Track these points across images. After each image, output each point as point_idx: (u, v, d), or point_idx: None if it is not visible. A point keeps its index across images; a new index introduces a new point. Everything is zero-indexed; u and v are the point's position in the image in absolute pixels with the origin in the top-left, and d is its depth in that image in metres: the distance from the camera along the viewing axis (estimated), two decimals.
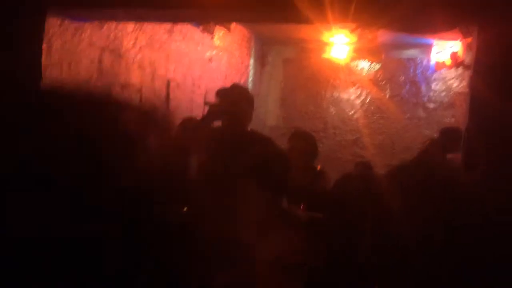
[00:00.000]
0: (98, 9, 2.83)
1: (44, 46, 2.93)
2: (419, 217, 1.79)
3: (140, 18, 3.07)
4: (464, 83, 5.14)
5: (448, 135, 3.53)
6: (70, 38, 3.17)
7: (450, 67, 4.58)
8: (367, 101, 6.20)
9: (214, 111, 2.84)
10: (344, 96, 6.27)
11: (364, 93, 6.20)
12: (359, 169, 4.91)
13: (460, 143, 3.39)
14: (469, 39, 2.81)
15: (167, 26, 4.10)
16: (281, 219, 2.18)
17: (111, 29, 3.53)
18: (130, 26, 3.69)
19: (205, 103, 3.02)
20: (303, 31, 5.17)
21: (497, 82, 2.26)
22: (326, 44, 5.56)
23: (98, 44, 3.43)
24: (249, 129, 2.96)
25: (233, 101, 2.82)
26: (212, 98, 4.92)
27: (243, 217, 2.17)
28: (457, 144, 3.43)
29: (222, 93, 2.89)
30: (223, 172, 2.69)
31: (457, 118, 5.56)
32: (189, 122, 3.12)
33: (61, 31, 3.08)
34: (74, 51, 3.23)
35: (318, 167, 3.60)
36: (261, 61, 6.25)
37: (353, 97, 6.24)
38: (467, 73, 3.59)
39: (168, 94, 4.34)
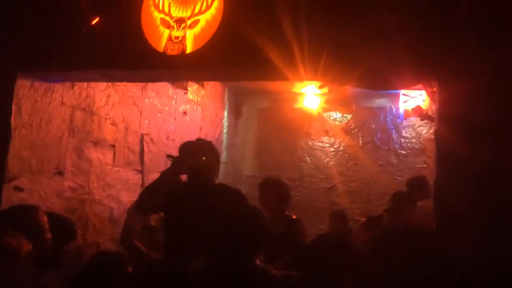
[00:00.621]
0: (69, 71, 2.84)
1: (14, 107, 2.93)
2: (395, 270, 1.78)
3: (113, 78, 3.10)
4: (432, 129, 5.29)
5: (414, 185, 3.58)
6: (40, 99, 3.16)
7: (416, 117, 4.74)
8: (341, 149, 6.30)
9: (176, 165, 2.80)
10: (318, 144, 6.36)
11: (337, 142, 6.31)
12: (334, 222, 4.91)
13: (426, 190, 3.46)
14: (431, 91, 2.93)
15: (140, 83, 4.15)
16: (256, 278, 2.14)
17: (83, 88, 3.55)
18: (103, 85, 3.72)
19: (168, 156, 2.98)
20: (275, 83, 5.30)
21: (459, 132, 2.35)
22: (298, 94, 5.70)
23: (69, 103, 3.43)
24: (216, 182, 2.94)
25: (195, 155, 2.80)
26: None
27: (214, 276, 2.12)
28: (424, 192, 3.50)
29: (184, 147, 2.88)
30: (189, 229, 2.65)
31: (429, 163, 5.68)
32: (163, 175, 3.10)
33: (31, 93, 3.08)
34: (45, 111, 3.22)
35: (294, 216, 3.56)
36: (235, 113, 6.33)
37: (327, 145, 6.34)
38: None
39: (142, 149, 4.33)
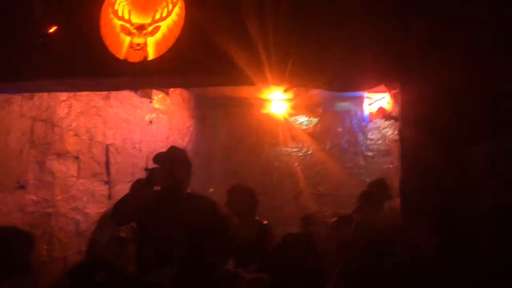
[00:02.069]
0: (27, 81, 2.76)
1: None
2: (362, 267, 1.80)
3: (72, 87, 3.02)
4: (397, 130, 5.41)
5: (376, 187, 3.65)
6: None
7: (380, 118, 4.83)
8: (309, 153, 6.35)
9: (153, 176, 2.80)
10: (286, 150, 6.39)
11: (305, 146, 6.36)
12: (305, 226, 4.94)
13: (386, 191, 3.54)
14: (394, 92, 3.00)
15: (103, 92, 4.07)
16: (226, 282, 2.13)
17: (43, 99, 3.45)
18: (64, 95, 3.63)
19: (146, 169, 2.97)
20: (242, 89, 5.31)
21: (422, 132, 2.40)
22: (265, 100, 5.72)
23: (29, 114, 3.33)
24: (188, 190, 2.92)
25: (170, 165, 2.80)
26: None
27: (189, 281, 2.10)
28: (385, 193, 3.57)
29: (159, 158, 2.87)
30: (163, 237, 2.63)
31: (395, 164, 5.80)
32: (138, 184, 3.08)
33: None
34: (3, 122, 3.11)
35: (265, 222, 3.59)
36: (202, 120, 6.29)
37: (295, 150, 6.37)
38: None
39: (107, 159, 4.24)
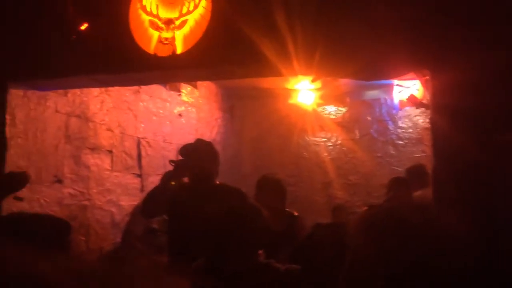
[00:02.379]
0: (61, 78, 2.84)
1: (8, 117, 2.93)
2: (394, 260, 1.78)
3: (104, 83, 3.10)
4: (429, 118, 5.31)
5: (413, 174, 3.57)
6: (34, 107, 3.17)
7: (411, 106, 4.75)
8: (338, 143, 6.30)
9: (179, 168, 2.83)
10: (315, 139, 6.36)
11: (334, 136, 6.31)
12: (336, 216, 4.93)
13: (425, 179, 3.47)
14: (425, 80, 2.94)
15: (133, 87, 4.14)
16: (259, 273, 2.15)
17: (76, 95, 3.55)
18: (96, 91, 3.72)
19: (171, 162, 3.00)
20: (269, 80, 5.30)
21: (454, 119, 2.36)
22: (292, 90, 5.70)
23: (63, 110, 3.43)
24: (217, 182, 2.95)
25: (196, 157, 2.83)
26: None
27: (217, 273, 2.13)
28: (423, 181, 3.50)
29: (185, 150, 2.90)
30: (193, 229, 2.67)
31: (427, 153, 5.69)
32: (165, 177, 3.13)
33: (24, 102, 3.08)
34: (39, 119, 3.22)
35: (295, 213, 3.57)
36: (230, 112, 6.33)
37: (323, 140, 6.34)
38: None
39: (139, 153, 4.33)
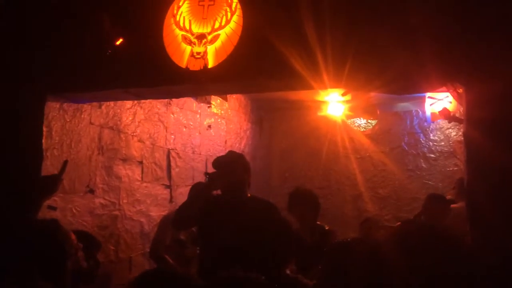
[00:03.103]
0: (97, 91, 2.92)
1: (45, 129, 3.02)
2: (427, 278, 1.74)
3: (138, 96, 3.16)
4: (461, 131, 5.19)
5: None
6: (69, 119, 3.26)
7: (443, 119, 4.65)
8: (367, 155, 6.22)
9: (212, 181, 2.85)
10: (344, 152, 6.30)
11: (363, 148, 6.24)
12: (364, 229, 4.84)
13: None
14: (458, 93, 2.89)
15: (164, 99, 4.22)
16: (288, 287, 2.13)
17: (110, 107, 3.64)
18: (129, 103, 3.80)
19: (205, 174, 3.03)
20: (299, 92, 5.29)
21: (488, 134, 2.30)
22: (322, 102, 5.67)
23: (97, 122, 3.52)
24: (248, 195, 2.95)
25: (229, 169, 2.84)
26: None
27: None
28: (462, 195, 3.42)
29: (218, 162, 2.92)
30: (225, 241, 2.67)
31: (460, 166, 5.56)
32: (198, 186, 3.15)
33: (60, 114, 3.18)
34: (74, 131, 3.31)
35: (327, 227, 3.51)
36: (259, 124, 6.35)
37: (353, 152, 6.27)
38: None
39: (169, 164, 4.39)
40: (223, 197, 2.93)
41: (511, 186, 2.21)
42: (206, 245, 2.92)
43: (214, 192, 3.01)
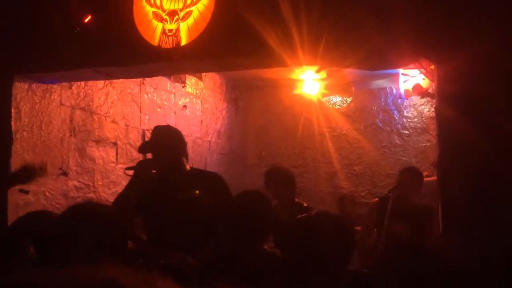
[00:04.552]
0: (66, 71, 2.84)
1: (13, 111, 2.93)
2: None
3: (109, 75, 3.09)
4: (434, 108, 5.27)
5: (406, 175, 3.51)
6: (39, 101, 3.17)
7: (416, 95, 4.71)
8: (343, 133, 6.28)
9: (139, 171, 2.52)
10: (320, 130, 6.34)
11: (338, 126, 6.29)
12: (342, 206, 4.93)
13: (420, 181, 3.45)
14: (430, 69, 2.92)
15: (137, 79, 4.14)
16: (263, 262, 2.14)
17: (81, 87, 3.55)
18: (100, 83, 3.72)
19: (126, 170, 2.68)
20: (274, 70, 5.27)
21: (459, 109, 2.34)
22: (297, 81, 5.67)
23: (68, 103, 3.43)
24: (188, 167, 2.67)
25: (158, 150, 2.55)
26: (189, 143, 4.96)
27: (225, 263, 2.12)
28: (419, 182, 3.48)
29: (144, 148, 2.70)
30: (170, 220, 2.45)
31: (432, 142, 5.67)
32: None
33: (29, 95, 3.09)
34: (44, 112, 3.23)
35: (305, 204, 3.53)
36: (235, 103, 6.32)
37: (328, 130, 6.32)
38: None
39: None
40: (159, 176, 2.63)
41: (480, 159, 2.27)
42: (152, 229, 2.64)
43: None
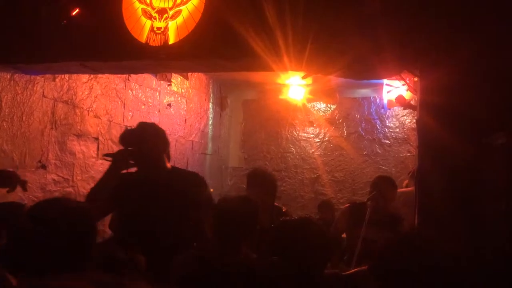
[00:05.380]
0: (51, 63, 2.80)
1: None
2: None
3: (94, 70, 3.06)
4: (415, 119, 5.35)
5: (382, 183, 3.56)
6: (21, 91, 3.12)
7: (399, 106, 4.78)
8: (326, 139, 6.34)
9: (118, 161, 2.48)
10: (303, 135, 6.39)
11: (322, 132, 6.35)
12: (322, 212, 4.97)
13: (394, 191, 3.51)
14: (413, 81, 2.97)
15: (122, 75, 4.11)
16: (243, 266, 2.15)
17: (65, 80, 3.51)
18: (85, 77, 3.68)
19: (104, 155, 2.62)
20: (260, 75, 5.29)
21: (440, 121, 2.38)
22: (283, 85, 5.70)
23: (51, 95, 3.39)
24: (169, 166, 2.63)
25: (139, 143, 2.49)
26: (172, 142, 4.93)
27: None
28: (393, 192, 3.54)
29: (123, 139, 2.57)
30: (148, 216, 2.41)
31: (412, 152, 5.76)
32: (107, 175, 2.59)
33: (11, 85, 3.04)
34: (26, 103, 3.18)
35: (284, 209, 3.54)
36: (220, 104, 6.32)
37: (312, 136, 6.37)
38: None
39: None
40: (139, 173, 2.59)
41: (460, 171, 2.30)
42: (128, 223, 2.54)
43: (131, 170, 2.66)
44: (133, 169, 2.61)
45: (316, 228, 1.98)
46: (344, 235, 3.64)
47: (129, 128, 2.68)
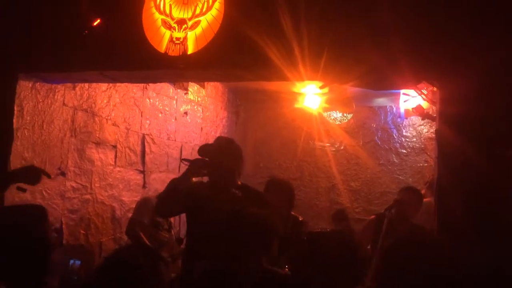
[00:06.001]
0: (71, 72, 2.86)
1: (16, 108, 2.94)
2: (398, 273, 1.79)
3: (114, 79, 3.11)
4: (433, 128, 5.30)
5: (407, 195, 3.52)
6: (42, 100, 3.18)
7: (417, 116, 4.74)
8: (342, 148, 6.30)
9: (194, 168, 2.67)
10: (319, 144, 6.36)
11: (338, 141, 6.32)
12: (336, 221, 4.92)
13: (420, 201, 3.47)
14: (431, 92, 2.94)
15: (140, 84, 4.16)
16: (261, 277, 2.14)
17: (84, 89, 3.57)
18: (104, 85, 3.74)
19: (182, 160, 2.87)
20: (276, 83, 5.30)
21: (460, 131, 2.36)
22: (298, 94, 5.70)
23: (71, 104, 3.45)
24: (239, 183, 2.79)
25: (216, 156, 2.66)
26: (188, 150, 4.96)
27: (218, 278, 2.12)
28: (419, 202, 3.49)
29: (203, 150, 2.74)
30: (213, 228, 2.46)
31: (430, 162, 5.69)
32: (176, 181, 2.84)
33: (32, 94, 3.10)
34: (46, 111, 3.24)
35: (300, 218, 3.52)
36: (236, 112, 6.34)
37: (327, 145, 6.34)
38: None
39: (143, 149, 4.35)
40: (210, 184, 2.77)
41: (480, 183, 2.28)
42: (193, 232, 2.76)
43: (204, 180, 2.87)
44: (205, 179, 2.79)
45: (349, 240, 1.97)
46: (369, 247, 3.58)
47: (208, 143, 2.94)
